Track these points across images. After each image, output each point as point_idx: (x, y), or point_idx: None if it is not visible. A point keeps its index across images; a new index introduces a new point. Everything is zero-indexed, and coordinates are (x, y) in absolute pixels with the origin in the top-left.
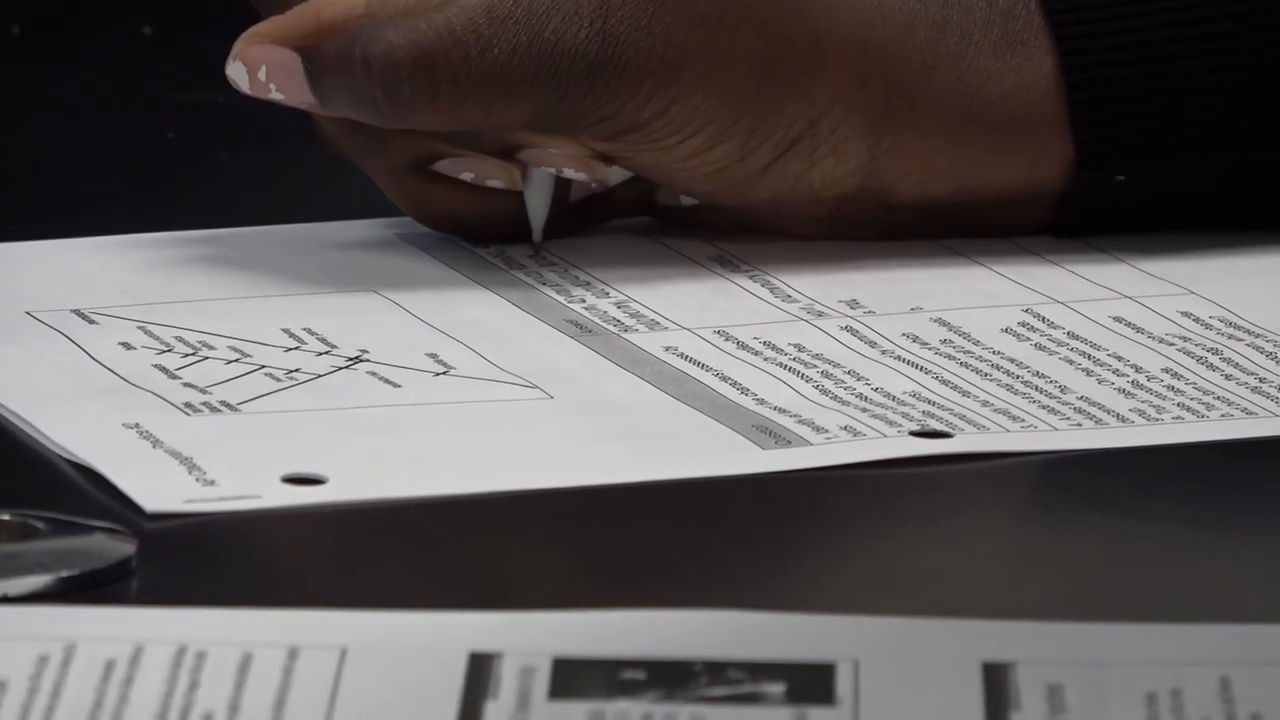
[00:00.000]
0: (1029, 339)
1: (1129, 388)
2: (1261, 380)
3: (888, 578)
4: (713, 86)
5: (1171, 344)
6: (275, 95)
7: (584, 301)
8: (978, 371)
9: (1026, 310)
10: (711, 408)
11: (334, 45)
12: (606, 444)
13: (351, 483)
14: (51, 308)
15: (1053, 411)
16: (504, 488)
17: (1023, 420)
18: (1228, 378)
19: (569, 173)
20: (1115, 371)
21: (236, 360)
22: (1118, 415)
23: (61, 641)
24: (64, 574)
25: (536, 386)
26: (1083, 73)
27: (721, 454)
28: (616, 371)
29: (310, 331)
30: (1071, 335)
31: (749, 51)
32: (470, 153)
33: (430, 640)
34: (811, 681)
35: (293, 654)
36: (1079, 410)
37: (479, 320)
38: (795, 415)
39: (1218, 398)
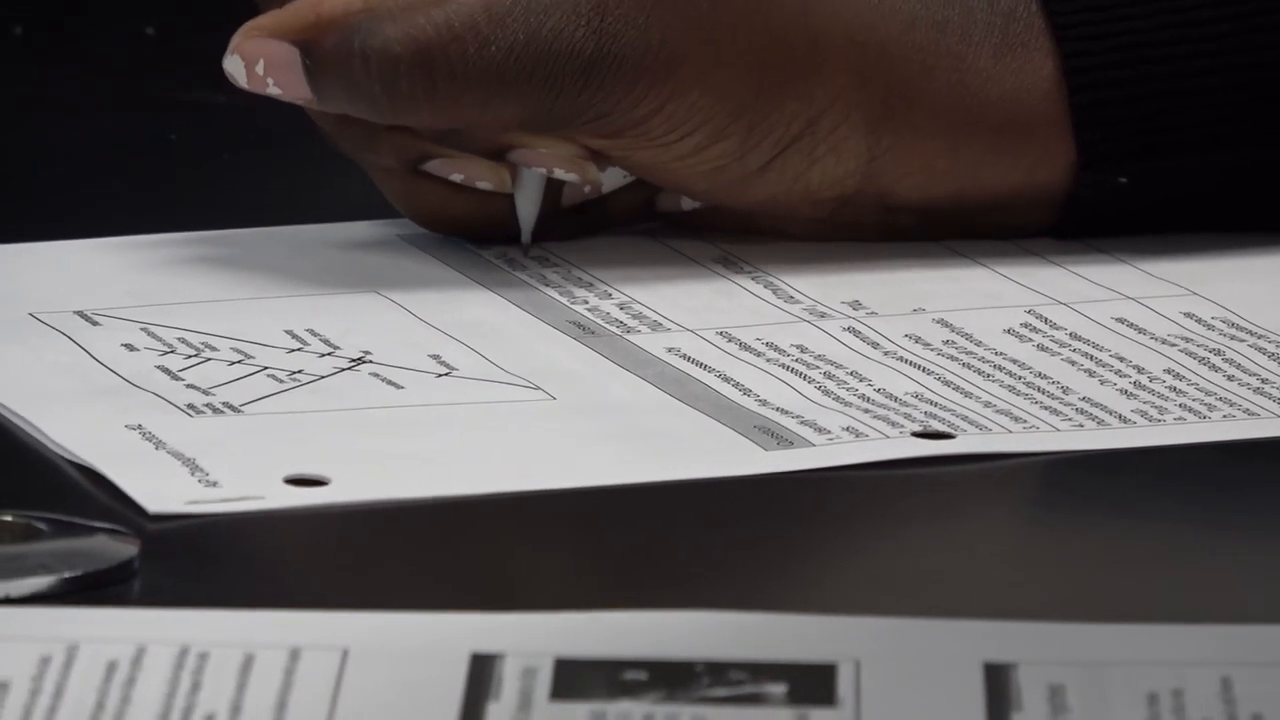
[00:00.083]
0: (1031, 340)
1: (1131, 388)
2: (1264, 381)
3: (889, 578)
4: (711, 84)
5: (1174, 345)
6: (273, 90)
7: (587, 303)
8: (980, 372)
9: (1029, 311)
10: (714, 409)
11: (332, 40)
12: (609, 445)
13: (354, 484)
14: (54, 309)
15: (1055, 412)
16: (506, 489)
17: (1025, 421)
18: (1230, 379)
19: (560, 173)
20: (1117, 372)
21: (239, 361)
22: (1120, 416)
23: (64, 642)
24: (66, 575)
25: (539, 388)
26: (1086, 75)
27: (724, 455)
28: (619, 372)
29: (313, 333)
30: (1074, 336)
31: (748, 49)
32: (461, 154)
33: (432, 641)
34: (813, 682)
35: (295, 655)
36: (1081, 411)
37: (481, 321)
38: (797, 416)
39: (1220, 399)
